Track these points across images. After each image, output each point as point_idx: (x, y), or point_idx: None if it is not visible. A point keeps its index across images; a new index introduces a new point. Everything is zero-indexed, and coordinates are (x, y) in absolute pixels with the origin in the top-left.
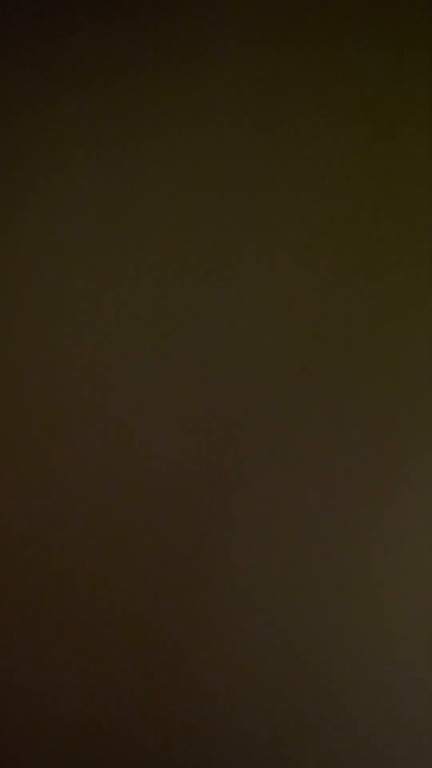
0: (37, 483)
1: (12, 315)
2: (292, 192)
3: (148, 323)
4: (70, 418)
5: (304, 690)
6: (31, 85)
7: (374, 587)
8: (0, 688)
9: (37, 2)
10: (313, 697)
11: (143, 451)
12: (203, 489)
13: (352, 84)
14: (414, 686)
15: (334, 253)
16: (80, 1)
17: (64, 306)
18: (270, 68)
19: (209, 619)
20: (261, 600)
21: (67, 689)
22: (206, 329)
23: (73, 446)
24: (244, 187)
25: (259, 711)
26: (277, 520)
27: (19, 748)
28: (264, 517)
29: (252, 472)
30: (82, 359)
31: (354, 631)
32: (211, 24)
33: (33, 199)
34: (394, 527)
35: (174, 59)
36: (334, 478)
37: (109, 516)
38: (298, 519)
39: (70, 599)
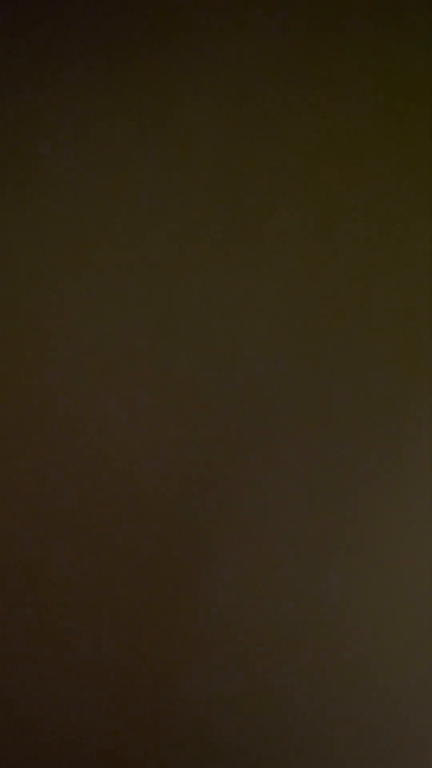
0: (30, 487)
1: (7, 315)
2: (293, 195)
3: (145, 325)
4: (64, 422)
5: (304, 690)
6: (24, 83)
7: (374, 585)
8: None
9: (34, 4)
10: (314, 696)
11: (139, 454)
12: (201, 484)
13: (354, 86)
14: (414, 684)
15: (334, 254)
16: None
17: (61, 308)
18: (273, 66)
19: (207, 619)
20: (260, 600)
21: (63, 697)
22: (205, 330)
23: (67, 449)
24: (245, 190)
25: (257, 713)
26: (276, 518)
27: (14, 755)
28: (262, 517)
29: (250, 472)
30: (77, 363)
31: (354, 630)
32: (207, 21)
33: (27, 199)
34: (394, 524)
35: (172, 52)
36: (333, 479)
37: (105, 521)
38: (296, 518)
39: (66, 605)
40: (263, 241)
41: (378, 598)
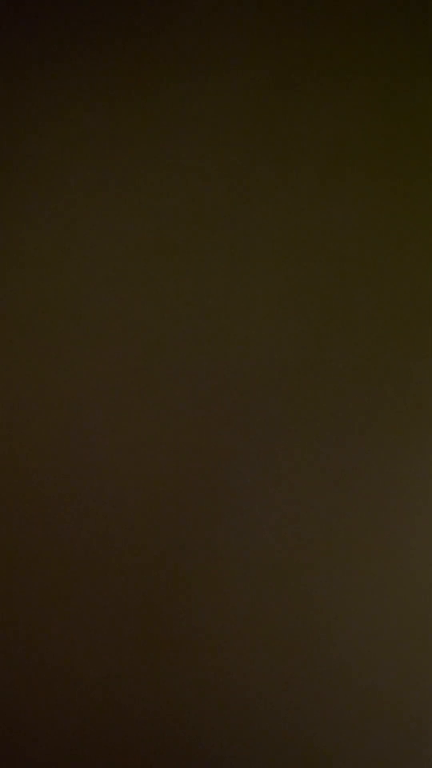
0: (36, 482)
1: (13, 320)
2: (295, 199)
3: (147, 328)
4: (69, 422)
5: (303, 688)
6: (36, 91)
7: (373, 587)
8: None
9: (39, 12)
10: (313, 695)
11: (141, 451)
12: (202, 489)
13: (358, 93)
14: (413, 681)
15: (336, 256)
16: (82, 10)
17: (65, 311)
18: (273, 76)
19: (207, 620)
20: (260, 599)
21: (71, 678)
22: (207, 331)
23: (73, 446)
24: (246, 195)
25: (258, 707)
26: (276, 522)
27: (26, 729)
28: (262, 520)
29: (250, 474)
30: (82, 365)
31: (353, 632)
32: (214, 30)
33: (34, 207)
34: (394, 526)
35: (178, 67)
36: (334, 481)
37: (109, 516)
38: (296, 519)
39: (72, 594)
40: (270, 250)
41: (379, 592)
